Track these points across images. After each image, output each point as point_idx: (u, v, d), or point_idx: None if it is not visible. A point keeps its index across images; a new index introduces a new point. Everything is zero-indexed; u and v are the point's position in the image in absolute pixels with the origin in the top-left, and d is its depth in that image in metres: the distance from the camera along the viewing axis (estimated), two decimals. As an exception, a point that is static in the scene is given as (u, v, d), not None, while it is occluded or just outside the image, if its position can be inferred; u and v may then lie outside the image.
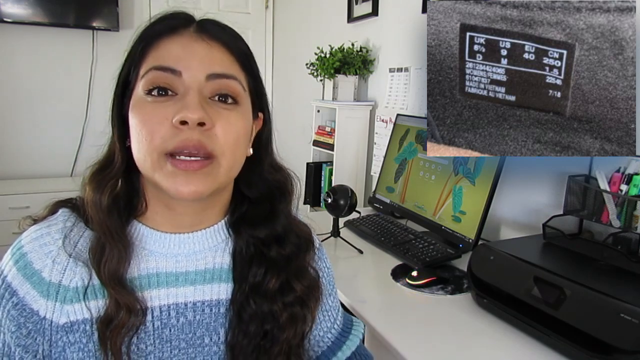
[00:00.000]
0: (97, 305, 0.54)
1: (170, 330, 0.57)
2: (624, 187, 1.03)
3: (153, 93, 0.52)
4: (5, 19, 2.76)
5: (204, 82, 0.52)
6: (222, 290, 0.61)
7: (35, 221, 0.58)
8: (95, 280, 0.54)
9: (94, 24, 2.93)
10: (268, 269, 0.61)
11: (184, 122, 0.50)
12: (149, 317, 0.56)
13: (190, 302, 0.59)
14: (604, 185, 1.06)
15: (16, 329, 0.52)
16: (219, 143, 0.52)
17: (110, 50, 3.01)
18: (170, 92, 0.52)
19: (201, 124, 0.50)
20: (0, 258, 0.58)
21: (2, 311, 0.53)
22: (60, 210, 0.58)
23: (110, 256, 0.53)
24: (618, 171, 1.06)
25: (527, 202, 1.38)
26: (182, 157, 0.51)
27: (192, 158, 0.51)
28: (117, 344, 0.52)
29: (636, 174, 1.03)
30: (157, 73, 0.52)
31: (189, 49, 0.52)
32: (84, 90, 3.04)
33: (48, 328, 0.53)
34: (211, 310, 0.60)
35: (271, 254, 0.61)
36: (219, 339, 0.60)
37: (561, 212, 1.14)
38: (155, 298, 0.57)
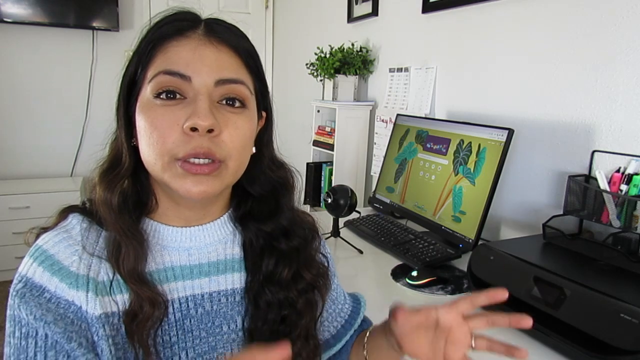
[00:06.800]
0: (123, 299, 0.55)
1: (190, 321, 0.59)
2: (624, 187, 1.03)
3: (162, 96, 0.52)
4: (5, 19, 2.76)
5: (213, 87, 0.53)
6: (236, 280, 0.63)
7: (45, 230, 0.57)
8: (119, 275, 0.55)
9: (94, 24, 2.93)
10: (279, 260, 0.63)
11: (194, 129, 0.51)
12: (170, 310, 0.58)
13: (206, 292, 0.61)
14: (604, 185, 1.06)
15: (60, 318, 0.52)
16: (226, 148, 0.53)
17: (110, 50, 3.01)
18: (178, 96, 0.53)
19: (210, 130, 0.52)
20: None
21: (34, 306, 0.51)
22: (71, 216, 0.58)
23: (126, 254, 0.54)
24: (618, 171, 1.06)
25: (527, 202, 1.38)
26: (192, 160, 0.52)
27: (202, 161, 0.52)
28: (143, 336, 0.54)
29: (636, 174, 1.03)
30: (166, 77, 0.52)
31: (198, 54, 0.53)
32: (84, 90, 3.04)
33: (88, 318, 0.53)
34: (227, 299, 0.62)
35: (281, 246, 0.64)
36: (236, 326, 0.62)
37: (561, 212, 1.14)
38: (174, 290, 0.59)
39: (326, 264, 0.70)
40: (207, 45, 0.54)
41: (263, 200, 0.65)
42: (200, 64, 0.53)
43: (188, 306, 0.59)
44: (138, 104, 0.54)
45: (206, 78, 0.53)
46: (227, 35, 0.56)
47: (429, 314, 0.55)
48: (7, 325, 0.53)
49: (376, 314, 1.01)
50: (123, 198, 0.56)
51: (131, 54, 0.56)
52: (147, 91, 0.53)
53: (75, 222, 0.57)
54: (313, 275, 0.66)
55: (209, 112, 0.51)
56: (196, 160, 0.52)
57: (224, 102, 0.54)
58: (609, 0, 1.14)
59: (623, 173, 1.05)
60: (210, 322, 0.61)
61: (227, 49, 0.55)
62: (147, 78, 0.54)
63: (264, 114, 0.63)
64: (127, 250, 0.54)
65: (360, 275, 1.27)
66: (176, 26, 0.54)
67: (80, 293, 0.53)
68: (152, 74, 0.53)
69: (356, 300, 0.81)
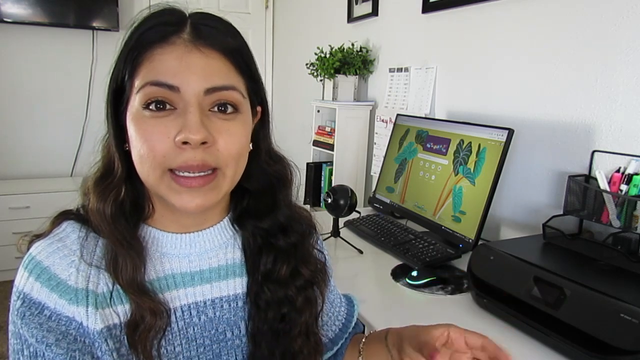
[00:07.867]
0: (125, 309, 0.54)
1: (194, 329, 0.58)
2: (624, 187, 1.03)
3: (151, 107, 0.50)
4: (5, 19, 2.76)
5: (203, 96, 0.51)
6: (238, 285, 0.62)
7: (38, 237, 0.55)
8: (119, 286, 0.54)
9: (94, 24, 2.93)
10: (277, 257, 0.62)
11: (186, 142, 0.49)
12: (172, 318, 0.57)
13: (208, 299, 0.60)
14: (604, 185, 1.06)
15: (62, 337, 0.51)
16: (221, 157, 0.52)
17: (110, 50, 2.92)
18: (168, 106, 0.50)
19: (203, 142, 0.50)
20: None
21: (34, 327, 0.51)
22: (66, 223, 0.56)
23: (124, 264, 0.53)
24: (618, 171, 1.06)
25: (527, 202, 1.38)
26: (186, 174, 0.51)
27: (195, 174, 0.51)
28: (147, 347, 0.52)
29: (636, 174, 1.03)
30: (153, 88, 0.50)
31: (185, 62, 0.50)
32: (84, 90, 3.04)
33: (90, 334, 0.52)
34: (229, 305, 0.61)
35: (279, 243, 0.63)
36: (240, 332, 0.62)
37: (561, 212, 1.14)
38: (176, 299, 0.58)
39: (323, 260, 0.69)
40: (193, 51, 0.51)
41: (260, 196, 0.63)
42: (188, 72, 0.50)
43: (191, 314, 0.58)
44: (128, 113, 0.52)
45: (195, 87, 0.50)
46: (214, 38, 0.52)
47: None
48: (13, 340, 0.52)
49: (376, 314, 1.01)
50: (117, 206, 0.54)
51: (116, 57, 0.54)
52: (135, 101, 0.51)
53: (70, 230, 0.55)
54: (311, 272, 0.65)
55: (200, 124, 0.49)
56: (191, 174, 0.51)
57: (216, 108, 0.52)
58: (609, 0, 1.14)
59: (623, 173, 1.05)
60: (213, 329, 0.60)
61: (215, 52, 0.52)
62: (134, 87, 0.51)
63: (258, 108, 0.61)
64: (124, 260, 0.53)
65: (360, 275, 1.27)
66: (160, 31, 0.51)
67: (80, 309, 0.52)
68: (139, 84, 0.51)
69: (350, 302, 0.81)
